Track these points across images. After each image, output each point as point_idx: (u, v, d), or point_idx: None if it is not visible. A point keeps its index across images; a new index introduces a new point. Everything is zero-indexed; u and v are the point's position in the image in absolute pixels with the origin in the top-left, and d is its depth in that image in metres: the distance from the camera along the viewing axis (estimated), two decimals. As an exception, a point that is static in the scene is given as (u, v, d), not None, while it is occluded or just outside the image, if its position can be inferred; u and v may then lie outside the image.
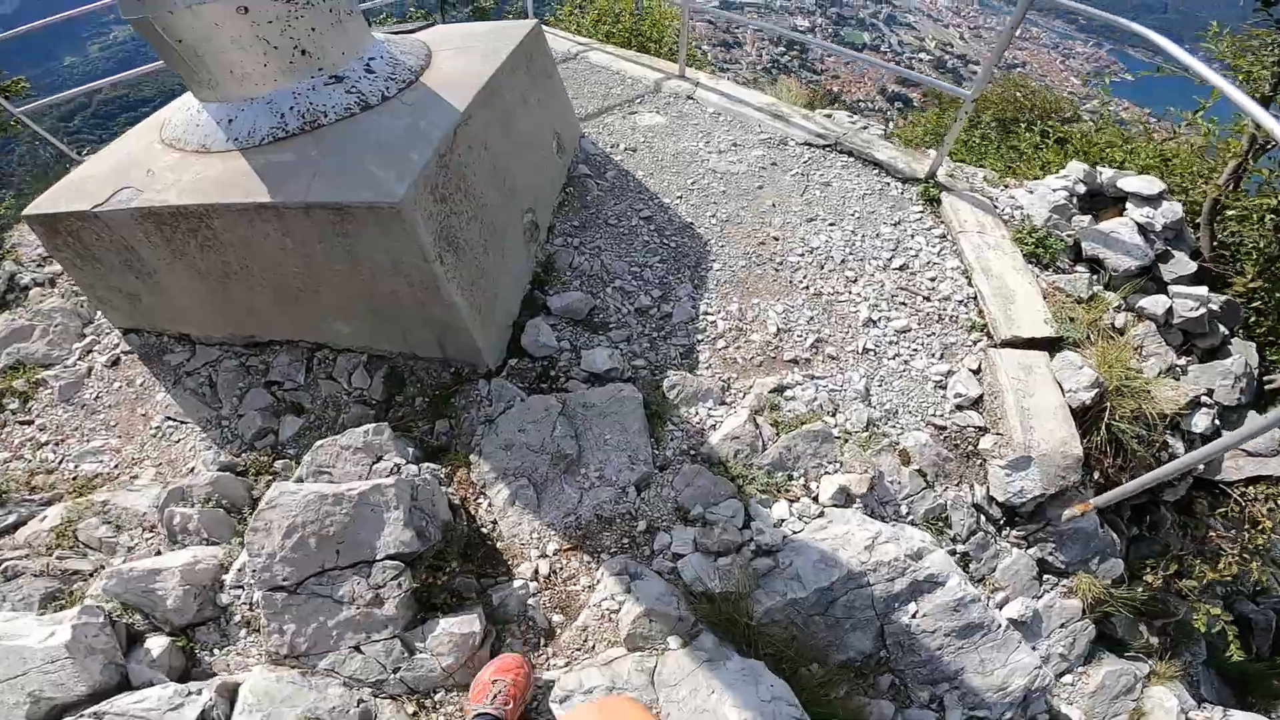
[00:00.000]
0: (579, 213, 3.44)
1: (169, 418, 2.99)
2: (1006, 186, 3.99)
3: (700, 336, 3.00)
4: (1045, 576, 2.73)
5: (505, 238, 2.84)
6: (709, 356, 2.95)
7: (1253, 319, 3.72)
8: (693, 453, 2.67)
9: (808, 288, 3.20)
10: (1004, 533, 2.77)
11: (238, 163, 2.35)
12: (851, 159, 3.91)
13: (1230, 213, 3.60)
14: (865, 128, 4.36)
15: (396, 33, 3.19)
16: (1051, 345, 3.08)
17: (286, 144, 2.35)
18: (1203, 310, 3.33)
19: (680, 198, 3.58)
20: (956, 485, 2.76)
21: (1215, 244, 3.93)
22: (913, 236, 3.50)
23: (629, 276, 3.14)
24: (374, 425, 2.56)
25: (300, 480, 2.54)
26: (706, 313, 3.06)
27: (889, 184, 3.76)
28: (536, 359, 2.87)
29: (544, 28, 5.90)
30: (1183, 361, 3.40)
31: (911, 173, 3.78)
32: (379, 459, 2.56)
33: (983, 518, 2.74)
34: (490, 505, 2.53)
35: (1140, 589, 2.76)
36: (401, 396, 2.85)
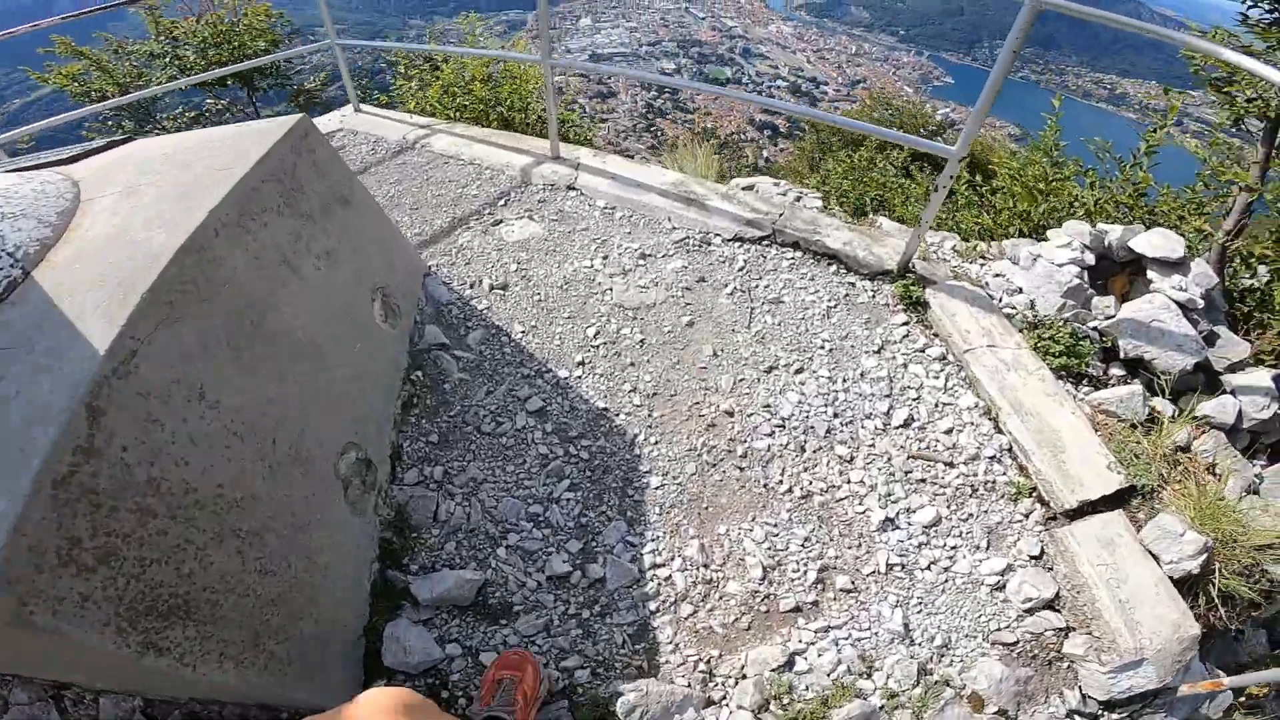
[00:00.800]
0: (435, 416, 2.22)
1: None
2: (984, 259, 3.15)
3: (653, 605, 1.86)
4: (1149, 737, 2.08)
5: (308, 523, 1.59)
6: (673, 634, 1.83)
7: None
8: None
9: (791, 489, 2.13)
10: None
11: None
12: (797, 252, 2.93)
13: (1260, 263, 2.91)
14: (799, 198, 3.43)
15: (36, 166, 1.80)
16: (1122, 497, 2.25)
17: None
18: (1276, 407, 2.57)
19: (582, 363, 2.43)
20: (1044, 702, 1.99)
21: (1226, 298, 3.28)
22: (905, 366, 2.53)
23: (528, 524, 1.96)
24: None
25: None
26: (655, 565, 1.92)
27: (854, 285, 2.80)
28: (415, 675, 1.65)
29: (370, 110, 4.56)
30: (1256, 468, 2.64)
31: (877, 263, 2.84)
32: None
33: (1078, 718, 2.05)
34: None
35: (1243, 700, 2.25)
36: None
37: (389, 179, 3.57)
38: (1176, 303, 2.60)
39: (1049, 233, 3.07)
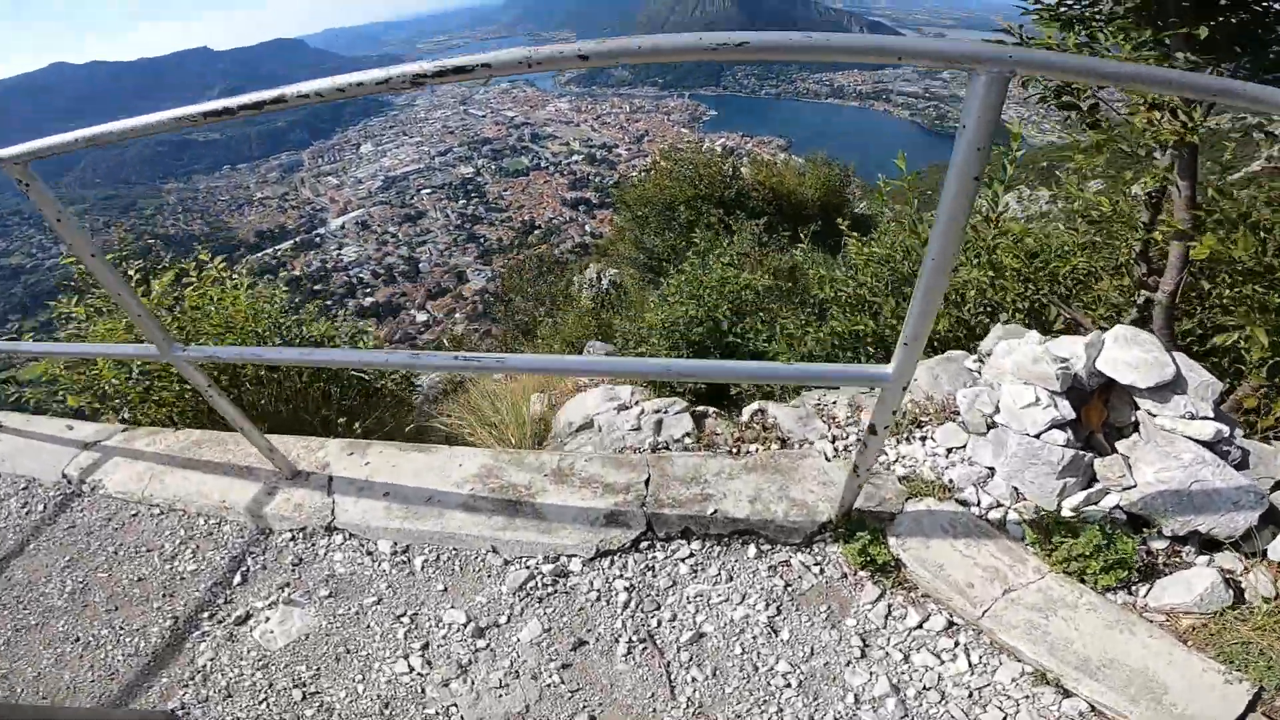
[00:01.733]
0: None
1: None
2: (919, 425, 2.37)
3: None
4: None
5: None
6: None
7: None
8: None
9: None
10: None
11: None
12: (694, 544, 1.96)
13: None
14: (659, 423, 2.48)
15: None
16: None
17: None
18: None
19: None
20: None
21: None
22: (907, 659, 1.63)
23: None
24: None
25: None
26: None
27: (790, 565, 1.87)
28: None
29: (9, 422, 2.71)
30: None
31: (808, 519, 1.94)
32: None
33: None
34: None
35: None
36: None
37: (59, 561, 2.21)
38: (1205, 444, 1.90)
39: (987, 360, 2.34)
